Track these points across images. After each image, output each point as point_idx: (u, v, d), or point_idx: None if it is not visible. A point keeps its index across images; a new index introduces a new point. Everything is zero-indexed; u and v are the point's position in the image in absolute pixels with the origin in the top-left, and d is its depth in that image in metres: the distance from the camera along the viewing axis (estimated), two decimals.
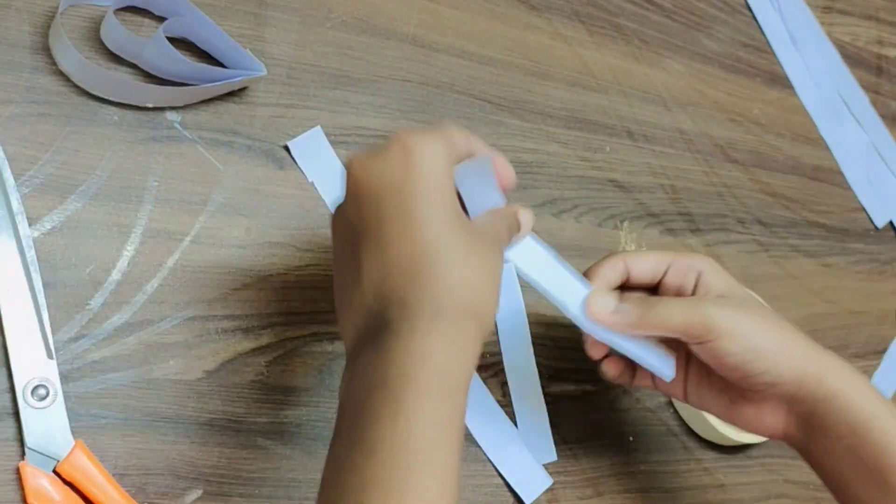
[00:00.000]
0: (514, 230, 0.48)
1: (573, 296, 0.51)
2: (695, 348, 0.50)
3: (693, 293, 0.53)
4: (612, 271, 0.53)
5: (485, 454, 0.57)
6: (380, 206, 0.42)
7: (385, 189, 0.42)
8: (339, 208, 0.45)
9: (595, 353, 0.55)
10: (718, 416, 0.55)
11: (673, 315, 0.49)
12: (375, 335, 0.41)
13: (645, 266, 0.53)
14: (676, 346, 0.53)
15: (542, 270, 0.50)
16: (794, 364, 0.50)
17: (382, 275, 0.42)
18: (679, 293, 0.53)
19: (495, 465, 0.58)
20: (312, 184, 0.57)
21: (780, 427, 0.52)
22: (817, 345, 0.51)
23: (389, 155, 0.42)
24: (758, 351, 0.49)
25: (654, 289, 0.55)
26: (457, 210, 0.43)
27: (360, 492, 0.37)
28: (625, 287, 0.54)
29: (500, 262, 0.45)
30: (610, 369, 0.55)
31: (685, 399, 0.55)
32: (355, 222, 0.43)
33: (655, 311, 0.50)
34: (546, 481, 0.59)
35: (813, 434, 0.51)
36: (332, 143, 0.58)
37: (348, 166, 0.43)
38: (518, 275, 0.53)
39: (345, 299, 0.44)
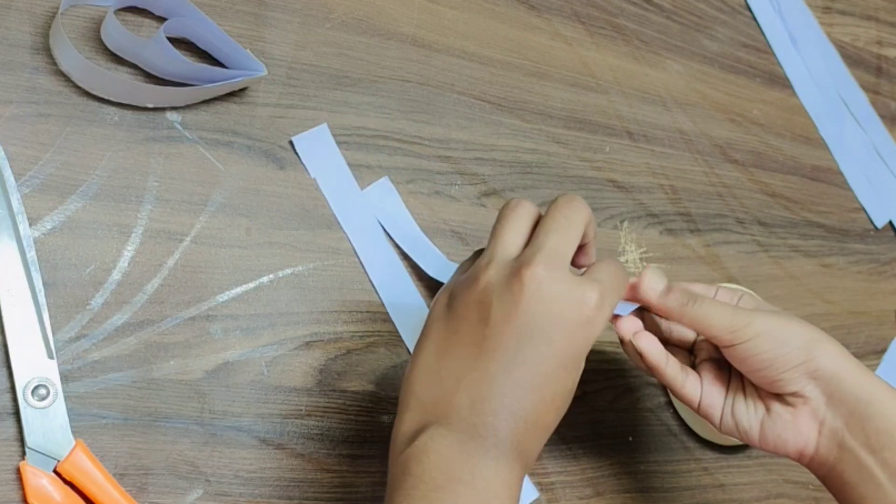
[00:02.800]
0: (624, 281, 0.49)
1: None
2: (728, 351, 0.51)
3: None
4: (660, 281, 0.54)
5: None
6: (540, 327, 0.43)
7: (555, 313, 0.43)
8: (461, 298, 0.45)
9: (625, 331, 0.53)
10: (751, 436, 0.53)
11: (715, 313, 0.50)
12: (469, 438, 0.42)
13: (696, 289, 0.54)
14: (720, 368, 0.54)
15: None
16: (833, 360, 0.50)
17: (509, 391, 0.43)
18: None
19: None
20: (315, 180, 0.57)
21: (814, 437, 0.50)
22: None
23: (573, 284, 0.44)
24: (791, 345, 0.50)
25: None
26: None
27: None
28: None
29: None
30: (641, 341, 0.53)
31: (720, 424, 0.53)
32: (490, 322, 0.43)
33: (700, 306, 0.51)
34: (532, 494, 0.58)
35: (846, 447, 0.49)
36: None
37: (523, 270, 0.43)
38: None
39: (434, 384, 0.44)
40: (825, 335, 0.51)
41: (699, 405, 0.53)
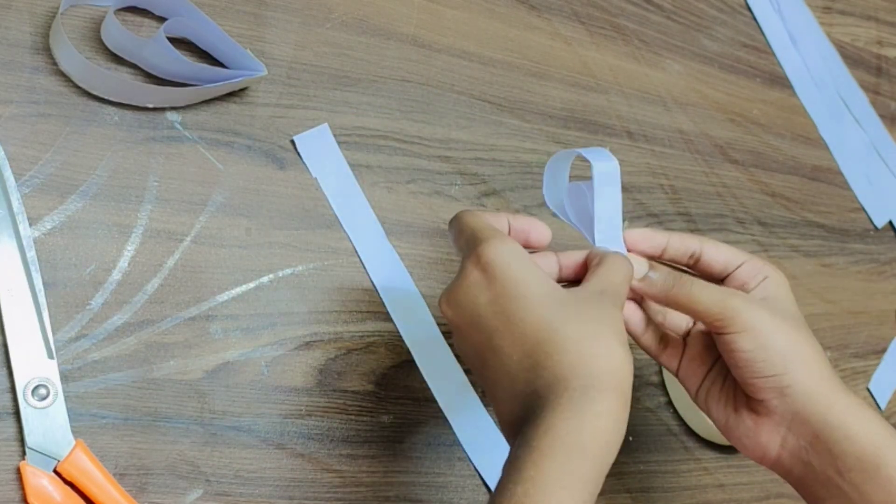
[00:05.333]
0: (627, 279, 0.49)
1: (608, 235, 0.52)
2: (714, 336, 0.50)
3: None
4: (681, 243, 0.53)
5: (465, 453, 0.57)
6: (483, 325, 0.45)
7: (481, 308, 0.45)
8: (456, 343, 0.49)
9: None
10: (717, 425, 0.52)
11: (700, 298, 0.49)
12: (521, 428, 0.43)
13: (720, 256, 0.53)
14: (709, 346, 0.53)
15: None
16: (806, 379, 0.48)
17: (512, 378, 0.44)
18: (741, 290, 0.52)
19: (475, 464, 0.58)
20: (316, 180, 0.57)
21: (774, 450, 0.50)
22: (836, 374, 0.50)
23: (471, 279, 0.45)
24: (770, 352, 0.48)
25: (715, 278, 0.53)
26: (551, 291, 0.45)
27: None
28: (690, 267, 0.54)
29: (615, 317, 0.45)
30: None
31: (695, 396, 0.53)
32: (472, 348, 0.46)
33: (684, 288, 0.50)
34: None
35: (811, 465, 0.48)
36: None
37: (441, 309, 0.47)
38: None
39: (496, 407, 0.46)
40: (812, 349, 0.49)
41: (678, 370, 0.53)
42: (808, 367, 0.48)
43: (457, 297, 0.46)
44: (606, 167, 0.50)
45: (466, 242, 0.47)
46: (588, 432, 0.41)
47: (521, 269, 0.45)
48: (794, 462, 0.49)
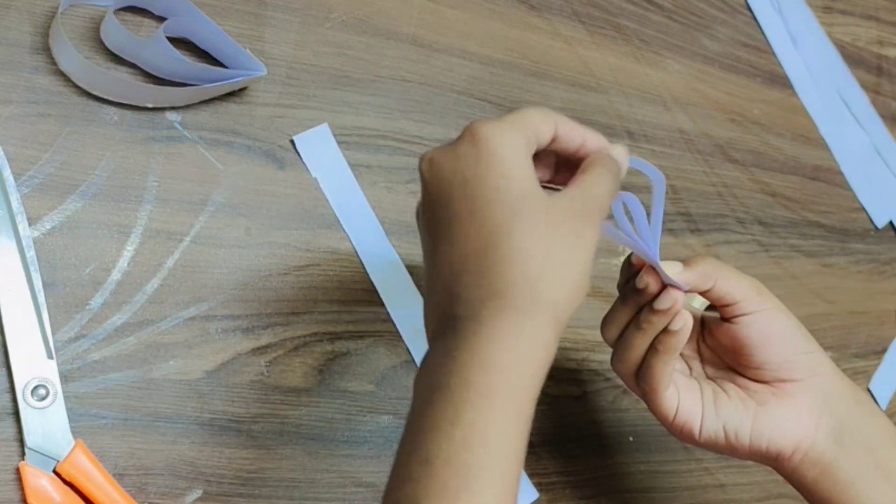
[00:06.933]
0: (617, 179, 0.45)
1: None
2: (747, 319, 0.49)
3: None
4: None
5: None
6: (450, 203, 0.41)
7: (455, 185, 0.40)
8: (419, 208, 0.44)
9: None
10: (741, 436, 0.50)
11: (739, 277, 0.50)
12: (446, 334, 0.40)
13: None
14: (690, 379, 0.52)
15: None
16: (829, 361, 0.51)
17: (454, 274, 0.40)
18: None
19: None
20: (315, 179, 0.57)
21: (811, 432, 0.49)
22: None
23: (460, 149, 0.41)
24: (801, 330, 0.50)
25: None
26: (530, 193, 0.40)
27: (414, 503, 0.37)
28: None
29: (588, 237, 0.42)
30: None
31: (701, 431, 0.50)
32: (430, 222, 0.42)
33: (722, 267, 0.50)
34: (532, 494, 0.58)
35: (846, 442, 0.49)
36: None
37: (420, 165, 0.42)
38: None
39: (427, 297, 0.43)
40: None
41: (675, 414, 0.50)
42: (824, 353, 0.51)
43: (439, 160, 0.41)
44: (662, 178, 0.50)
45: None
46: (529, 368, 0.39)
47: (511, 160, 0.40)
48: (828, 443, 0.49)
